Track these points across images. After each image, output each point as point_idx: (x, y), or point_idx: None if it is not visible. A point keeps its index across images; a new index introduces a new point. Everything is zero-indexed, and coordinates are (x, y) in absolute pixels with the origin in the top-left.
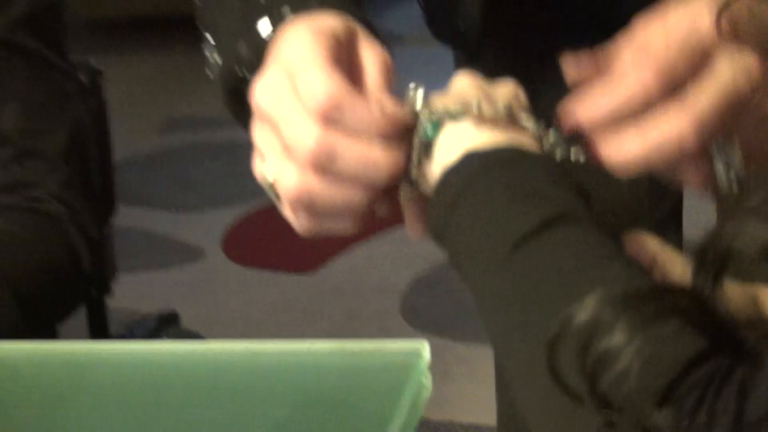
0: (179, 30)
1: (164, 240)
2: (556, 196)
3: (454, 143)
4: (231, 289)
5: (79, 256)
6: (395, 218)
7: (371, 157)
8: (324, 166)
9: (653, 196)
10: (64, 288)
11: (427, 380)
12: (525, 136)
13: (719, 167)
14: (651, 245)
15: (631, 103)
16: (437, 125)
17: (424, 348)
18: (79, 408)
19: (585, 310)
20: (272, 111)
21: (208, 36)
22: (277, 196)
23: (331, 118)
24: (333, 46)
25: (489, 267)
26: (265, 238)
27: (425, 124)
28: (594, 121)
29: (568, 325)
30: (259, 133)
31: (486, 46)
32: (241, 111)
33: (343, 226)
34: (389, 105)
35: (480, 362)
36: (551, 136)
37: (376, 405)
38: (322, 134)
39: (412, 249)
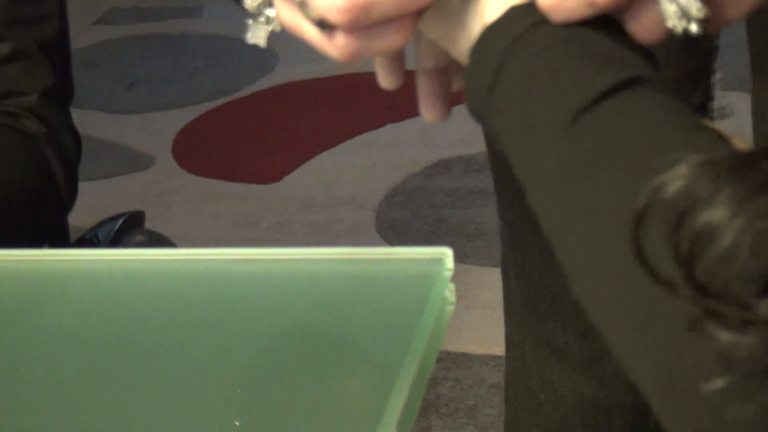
0: None
1: (107, 146)
2: (625, 56)
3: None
4: (184, 202)
5: (55, 183)
6: (365, 124)
7: None
8: None
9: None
10: (38, 216)
11: (451, 293)
12: None
13: (666, 7)
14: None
15: None
16: None
17: (447, 256)
18: (63, 319)
19: (678, 179)
20: None
21: None
22: (312, 17)
23: None
24: None
25: (547, 137)
26: (221, 144)
27: None
28: None
29: (658, 196)
30: None
31: None
32: None
33: (393, 40)
34: None
35: (469, 285)
36: None
37: (394, 322)
38: None
39: (386, 155)
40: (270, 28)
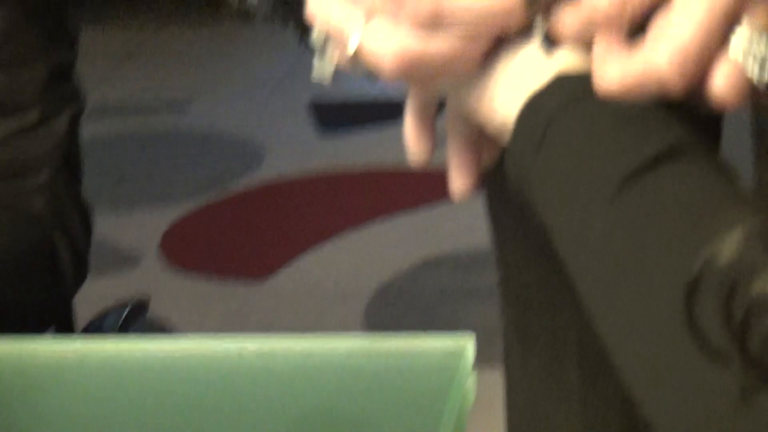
0: (111, 5)
1: (95, 243)
2: (669, 125)
3: (541, 65)
4: (172, 299)
5: (60, 267)
6: (352, 221)
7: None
8: (433, 23)
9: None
10: (41, 298)
11: (472, 383)
12: None
13: (750, 64)
14: None
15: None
16: None
17: (469, 344)
18: (69, 406)
19: (731, 247)
20: None
21: None
22: (360, 67)
23: None
24: None
25: (591, 206)
26: (209, 240)
27: None
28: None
29: (711, 264)
30: (315, 3)
31: None
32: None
33: (456, 78)
34: None
35: None
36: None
37: (414, 416)
38: None
39: (374, 253)
40: (335, 65)
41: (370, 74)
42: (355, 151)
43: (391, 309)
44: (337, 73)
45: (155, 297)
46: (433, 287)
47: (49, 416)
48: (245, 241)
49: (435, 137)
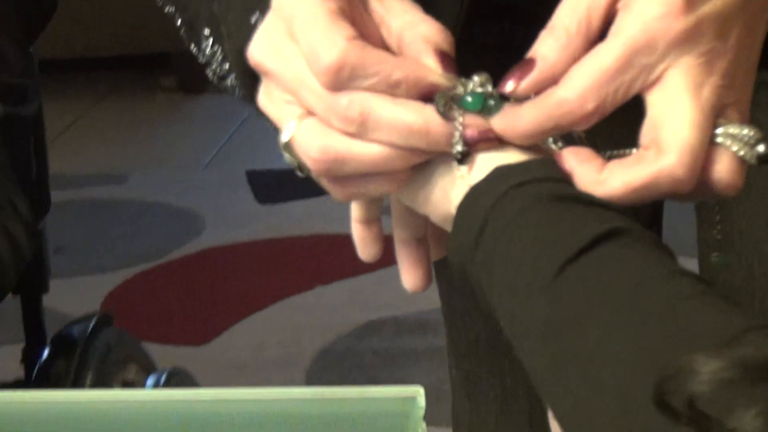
0: (50, 78)
1: None
2: (602, 210)
3: (480, 160)
4: None
5: (17, 243)
6: (294, 286)
7: (402, 117)
8: (352, 125)
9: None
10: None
11: (424, 430)
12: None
13: (740, 147)
14: None
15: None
16: (479, 100)
17: (419, 394)
18: None
19: (701, 375)
20: (275, 67)
21: (205, 31)
22: (292, 163)
23: (342, 81)
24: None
25: (531, 292)
26: (149, 307)
27: (466, 92)
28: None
29: (679, 387)
30: (264, 96)
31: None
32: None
33: (381, 188)
34: (417, 65)
35: None
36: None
37: None
38: (344, 98)
39: (316, 317)
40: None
41: (300, 168)
42: (294, 219)
43: (334, 371)
44: (276, 144)
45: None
46: (375, 349)
47: None
48: (185, 307)
49: (382, 236)
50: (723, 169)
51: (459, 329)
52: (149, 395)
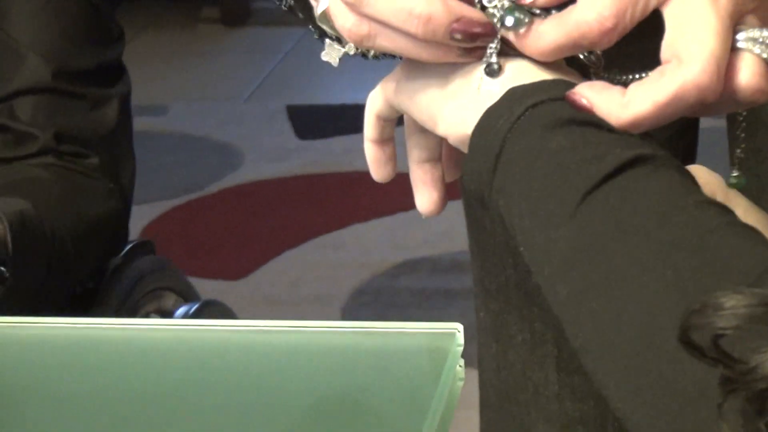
0: None
1: None
2: (626, 136)
3: (496, 82)
4: None
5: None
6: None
7: None
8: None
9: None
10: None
11: (461, 369)
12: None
13: (763, 50)
14: (714, 182)
15: None
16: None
17: (458, 330)
18: (80, 387)
19: (726, 311)
20: None
21: None
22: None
23: None
24: None
25: (556, 219)
26: (186, 240)
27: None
28: None
29: (704, 322)
30: None
31: None
32: None
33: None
34: None
35: None
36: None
37: (409, 396)
38: None
39: (352, 255)
40: (344, 49)
41: (339, 38)
42: (332, 155)
43: (369, 310)
44: (318, 80)
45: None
46: (411, 289)
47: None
48: (222, 241)
49: (395, 156)
50: (748, 73)
51: (488, 270)
52: (178, 324)
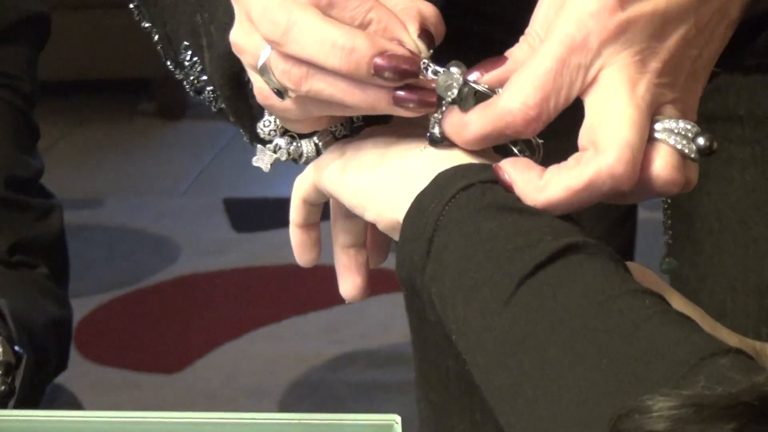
0: None
1: None
2: (557, 223)
3: (424, 165)
4: (86, 390)
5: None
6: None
7: (327, 31)
8: (276, 31)
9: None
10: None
11: None
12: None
13: (673, 142)
14: (650, 278)
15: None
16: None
17: (396, 422)
18: None
19: (655, 414)
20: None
21: (184, 43)
22: (273, 85)
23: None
24: None
25: (489, 308)
26: (122, 333)
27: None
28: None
29: (634, 426)
30: (238, 31)
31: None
32: (243, 98)
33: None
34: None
35: None
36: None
37: None
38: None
39: (289, 348)
40: (276, 156)
41: (280, 92)
42: (270, 248)
43: (306, 404)
44: (254, 173)
45: (69, 387)
46: (348, 382)
47: None
48: (158, 335)
49: (320, 241)
50: (662, 164)
51: (430, 361)
52: (110, 416)
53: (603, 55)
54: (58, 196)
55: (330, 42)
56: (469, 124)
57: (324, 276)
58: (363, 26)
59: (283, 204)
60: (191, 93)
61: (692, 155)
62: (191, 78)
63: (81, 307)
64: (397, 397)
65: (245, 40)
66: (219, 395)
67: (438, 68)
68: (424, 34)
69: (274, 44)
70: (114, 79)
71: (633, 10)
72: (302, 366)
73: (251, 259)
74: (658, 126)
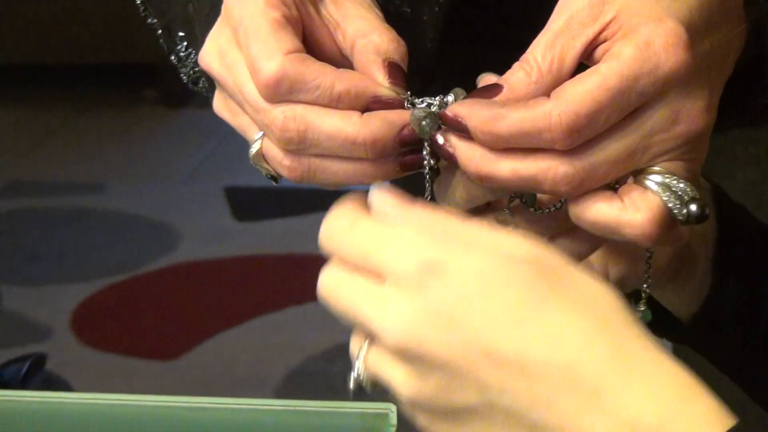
0: (23, 83)
1: (4, 317)
2: None
3: None
4: (81, 375)
5: None
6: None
7: (343, 128)
8: (299, 147)
9: None
10: None
11: None
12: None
13: (667, 199)
14: None
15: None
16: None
17: (391, 411)
18: None
19: None
20: (219, 74)
21: (180, 33)
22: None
23: (281, 95)
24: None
25: None
26: (120, 319)
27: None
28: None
29: None
30: (219, 103)
31: (440, 68)
32: None
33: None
34: (359, 78)
35: None
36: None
37: None
38: (285, 113)
39: (287, 337)
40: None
41: (274, 177)
42: (270, 237)
43: (303, 392)
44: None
45: (65, 373)
46: (345, 373)
47: None
48: (156, 321)
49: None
50: (644, 216)
51: None
52: (112, 398)
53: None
54: (58, 182)
55: (351, 140)
56: (505, 117)
57: (323, 266)
58: (334, 101)
59: (284, 194)
60: (189, 84)
61: (680, 217)
62: (187, 68)
63: (79, 292)
64: None
65: (230, 117)
66: (216, 383)
67: (418, 102)
68: (394, 72)
69: (289, 150)
70: (117, 65)
71: (699, 50)
72: (300, 356)
73: (251, 248)
74: (657, 178)
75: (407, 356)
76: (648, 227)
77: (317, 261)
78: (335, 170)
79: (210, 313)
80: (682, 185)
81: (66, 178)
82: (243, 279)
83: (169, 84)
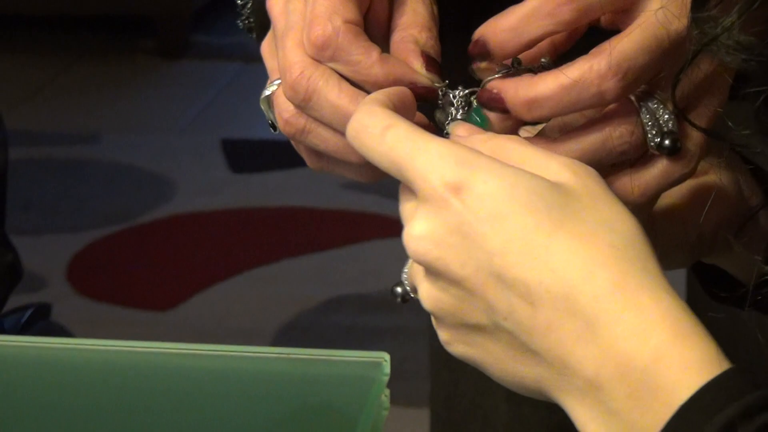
0: (15, 32)
1: None
2: None
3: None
4: (76, 324)
5: None
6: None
7: (344, 106)
8: (302, 104)
9: None
10: None
11: (386, 399)
12: None
13: (648, 125)
14: None
15: (539, 18)
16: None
17: (385, 360)
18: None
19: None
20: (276, 15)
21: None
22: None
23: (322, 56)
24: None
25: None
26: (115, 269)
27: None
28: (499, 35)
29: None
30: (266, 44)
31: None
32: None
33: (348, 173)
34: (391, 61)
35: None
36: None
37: (333, 423)
38: (304, 69)
39: (281, 290)
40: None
41: (273, 125)
42: (266, 190)
43: (296, 345)
44: (254, 114)
45: (60, 321)
46: (339, 326)
47: None
48: (151, 272)
49: None
50: (622, 131)
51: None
52: (110, 345)
53: None
54: (54, 131)
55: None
56: (546, 78)
57: (318, 219)
58: (366, 81)
59: (281, 146)
60: (245, 30)
61: (651, 144)
62: (243, 18)
63: (75, 242)
64: (388, 341)
65: (268, 58)
66: (210, 334)
67: (451, 92)
68: (430, 63)
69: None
70: (115, 15)
71: None
72: (294, 308)
73: (247, 200)
74: (649, 102)
75: (429, 270)
76: (620, 140)
77: (312, 214)
78: (326, 137)
79: (205, 265)
80: (666, 116)
81: (61, 128)
82: (238, 231)
83: (167, 35)
